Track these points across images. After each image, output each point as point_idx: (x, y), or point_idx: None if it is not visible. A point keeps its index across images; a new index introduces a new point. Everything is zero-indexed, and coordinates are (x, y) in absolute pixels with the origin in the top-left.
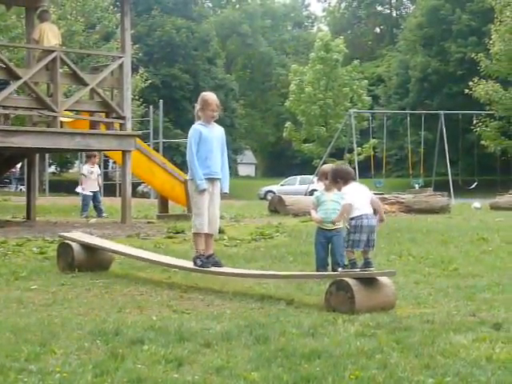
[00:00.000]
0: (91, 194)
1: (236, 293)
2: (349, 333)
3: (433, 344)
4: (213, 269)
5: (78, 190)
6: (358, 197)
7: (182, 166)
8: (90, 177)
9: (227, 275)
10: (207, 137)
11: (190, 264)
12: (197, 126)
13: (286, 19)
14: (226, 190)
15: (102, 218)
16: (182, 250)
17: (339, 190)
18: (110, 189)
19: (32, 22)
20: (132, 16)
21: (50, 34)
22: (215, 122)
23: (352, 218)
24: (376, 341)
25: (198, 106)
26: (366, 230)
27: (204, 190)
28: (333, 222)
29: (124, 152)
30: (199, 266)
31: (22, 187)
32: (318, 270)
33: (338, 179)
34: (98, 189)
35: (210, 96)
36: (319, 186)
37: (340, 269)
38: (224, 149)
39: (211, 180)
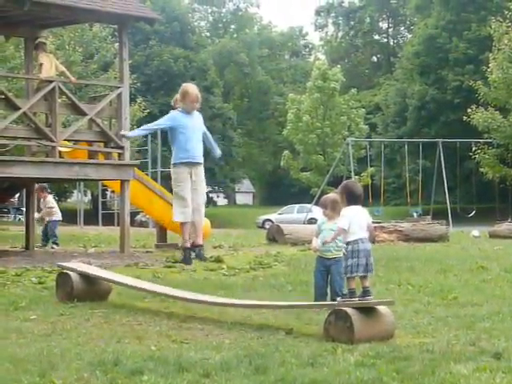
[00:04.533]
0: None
1: (235, 322)
2: (348, 362)
3: (433, 374)
4: (212, 299)
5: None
6: (355, 221)
7: None
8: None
9: (226, 306)
10: (187, 125)
11: (188, 294)
12: (176, 114)
13: (283, 48)
14: (219, 152)
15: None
16: (180, 279)
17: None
18: (108, 218)
19: (31, 53)
20: (130, 46)
21: (53, 65)
22: None
23: (348, 243)
24: (376, 371)
25: (178, 96)
26: (363, 254)
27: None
28: (325, 242)
29: (122, 181)
30: (181, 261)
31: (20, 217)
32: (316, 300)
33: (342, 195)
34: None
35: (191, 87)
36: (319, 215)
37: (338, 298)
38: (205, 131)
39: (191, 165)
